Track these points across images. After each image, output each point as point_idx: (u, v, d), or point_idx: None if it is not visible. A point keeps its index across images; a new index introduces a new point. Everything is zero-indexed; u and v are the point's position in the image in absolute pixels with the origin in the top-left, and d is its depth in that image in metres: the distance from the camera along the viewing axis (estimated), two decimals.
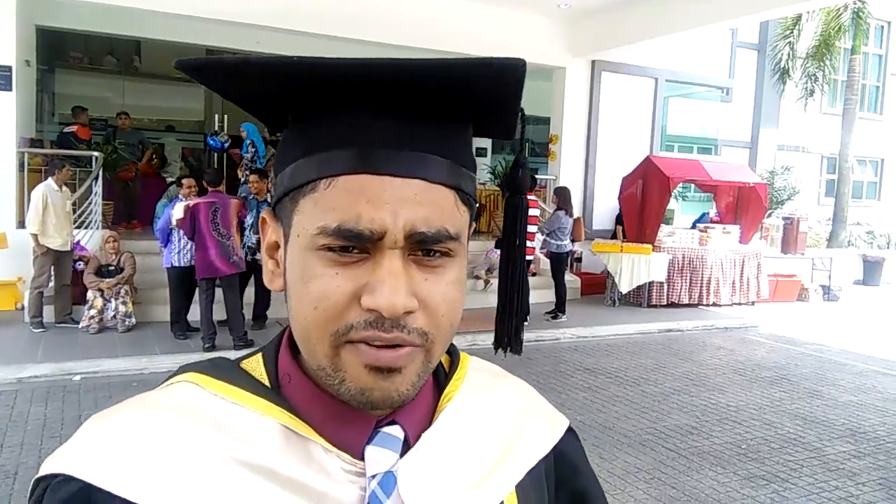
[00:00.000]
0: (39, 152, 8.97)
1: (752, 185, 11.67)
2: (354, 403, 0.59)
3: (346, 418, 0.63)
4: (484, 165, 15.38)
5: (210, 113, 13.30)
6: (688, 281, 10.85)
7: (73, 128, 10.10)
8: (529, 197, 8.25)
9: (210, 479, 0.58)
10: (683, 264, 10.79)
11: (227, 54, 0.57)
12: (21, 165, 8.63)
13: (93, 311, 7.39)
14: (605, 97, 12.62)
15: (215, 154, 11.88)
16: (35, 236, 7.22)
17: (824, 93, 17.27)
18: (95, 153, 9.27)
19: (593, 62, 12.39)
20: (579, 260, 11.42)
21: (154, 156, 11.51)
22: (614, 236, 11.87)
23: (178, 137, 13.80)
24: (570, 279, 10.18)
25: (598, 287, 11.10)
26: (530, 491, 0.70)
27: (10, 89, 8.56)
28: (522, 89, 0.58)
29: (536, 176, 11.48)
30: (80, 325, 7.42)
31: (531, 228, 8.40)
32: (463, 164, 0.61)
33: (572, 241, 9.46)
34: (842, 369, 7.70)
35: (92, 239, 8.53)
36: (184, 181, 7.43)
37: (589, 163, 12.62)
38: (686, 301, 10.77)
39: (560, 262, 9.31)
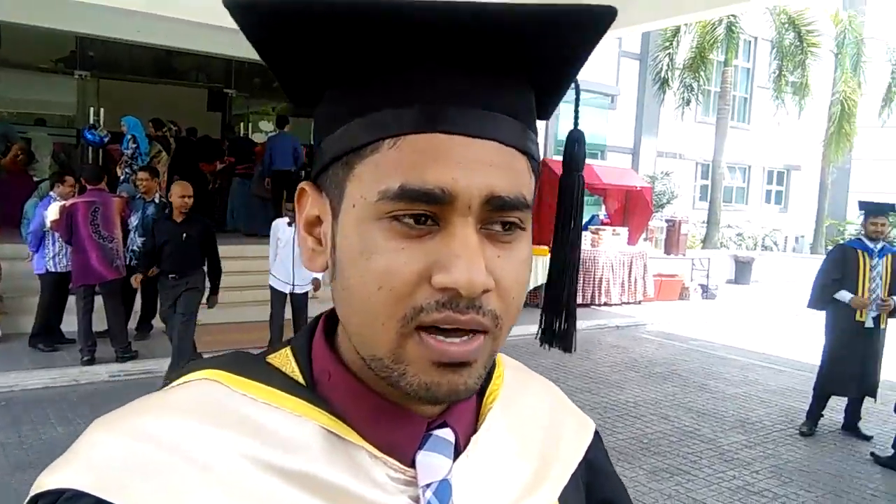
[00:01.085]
0: None
1: (639, 188, 12.21)
2: (415, 397, 0.52)
3: (394, 420, 0.56)
4: None
5: (84, 106, 12.34)
6: (581, 281, 11.19)
7: None
8: None
9: (242, 490, 0.51)
10: None
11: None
12: None
13: None
14: None
15: (90, 150, 11.01)
16: None
17: (699, 102, 18.39)
18: None
19: None
20: None
21: (20, 151, 10.51)
22: None
23: (49, 132, 12.67)
24: None
25: None
26: (571, 495, 0.66)
27: None
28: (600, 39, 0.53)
29: None
30: None
31: None
32: (531, 128, 0.56)
33: None
34: (726, 363, 8.17)
35: None
36: (66, 178, 6.80)
37: None
38: (580, 301, 11.06)
39: None
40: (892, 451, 5.09)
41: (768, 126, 19.48)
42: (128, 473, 0.51)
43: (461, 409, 0.60)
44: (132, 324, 7.15)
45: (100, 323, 6.58)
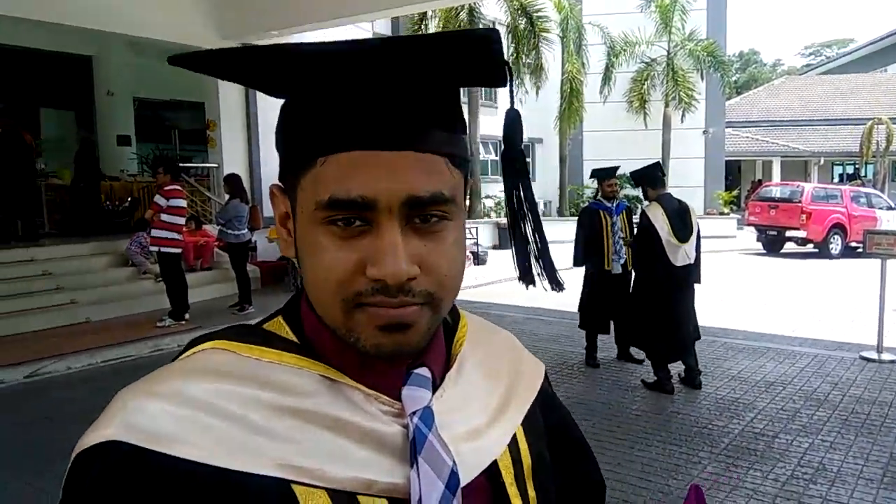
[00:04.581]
0: None
1: None
2: (370, 356, 0.63)
3: (379, 366, 0.66)
4: (133, 154, 14.07)
5: None
6: None
7: None
8: (173, 186, 7.76)
9: (264, 429, 0.60)
10: None
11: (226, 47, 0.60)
12: None
13: None
14: None
15: None
16: None
17: None
18: None
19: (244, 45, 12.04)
20: (254, 249, 11.13)
21: None
22: None
23: None
24: (251, 269, 9.88)
25: (279, 274, 11.00)
26: (532, 422, 0.79)
27: None
28: (502, 52, 0.61)
29: (195, 164, 10.79)
30: None
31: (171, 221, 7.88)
32: (452, 129, 0.64)
33: (250, 229, 9.18)
34: (502, 321, 8.87)
35: None
36: None
37: (252, 148, 12.31)
38: None
39: (240, 252, 8.97)
40: (654, 377, 5.96)
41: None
42: (156, 423, 0.58)
43: (434, 353, 0.71)
44: None
45: None
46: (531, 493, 0.74)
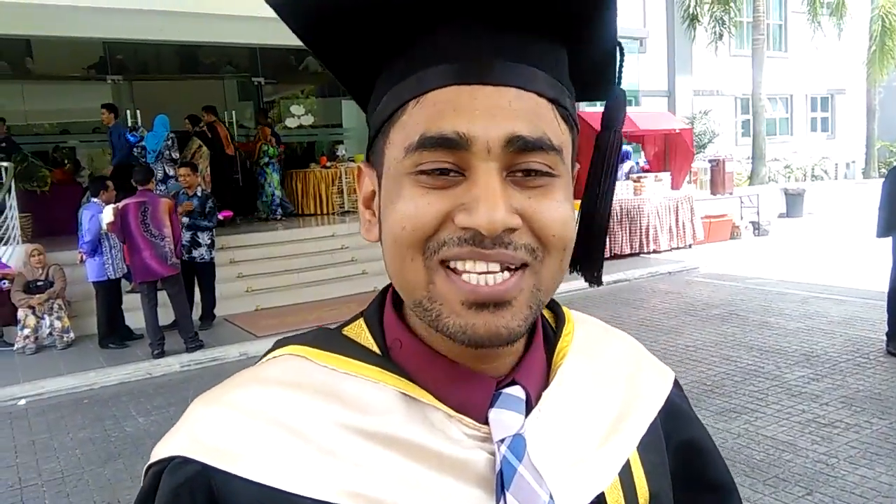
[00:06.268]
0: None
1: (678, 131, 11.95)
2: (457, 341, 0.54)
3: (465, 381, 0.59)
4: None
5: (121, 109, 12.62)
6: (627, 231, 11.07)
7: None
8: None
9: (332, 451, 0.55)
10: (622, 215, 10.99)
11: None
12: None
13: (26, 331, 6.94)
14: None
15: (131, 152, 11.24)
16: None
17: (732, 35, 17.79)
18: (4, 164, 8.63)
19: None
20: None
21: (66, 161, 10.85)
22: None
23: (80, 140, 12.95)
24: None
25: None
26: (650, 446, 0.67)
27: None
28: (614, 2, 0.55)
29: None
30: (14, 347, 6.96)
31: None
32: (560, 80, 0.57)
33: None
34: (785, 299, 8.03)
35: (14, 255, 7.98)
36: (108, 184, 7.05)
37: None
38: (627, 251, 11.00)
39: None
40: None
41: (807, 52, 18.79)
42: (225, 439, 0.56)
43: (529, 367, 0.62)
44: (194, 315, 7.38)
45: (164, 317, 6.82)
46: None
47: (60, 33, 10.00)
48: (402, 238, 0.53)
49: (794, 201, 15.16)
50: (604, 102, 0.65)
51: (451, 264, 0.52)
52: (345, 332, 0.64)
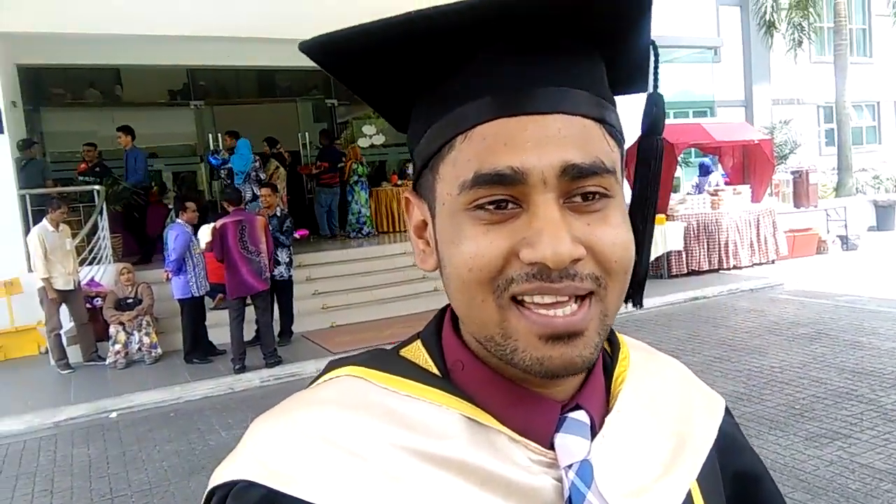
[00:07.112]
0: (39, 192, 8.76)
1: (756, 142, 11.55)
2: (532, 374, 0.53)
3: (528, 405, 0.58)
4: None
5: (203, 133, 13.16)
6: (705, 247, 10.75)
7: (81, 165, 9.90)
8: None
9: (397, 476, 0.54)
10: (699, 230, 10.69)
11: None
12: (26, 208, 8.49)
13: (117, 346, 7.30)
14: None
15: (215, 173, 11.72)
16: (47, 280, 7.05)
17: (812, 42, 17.13)
18: (96, 187, 9.13)
19: None
20: None
21: (154, 183, 11.38)
22: None
23: (166, 163, 13.58)
24: None
25: None
26: (709, 476, 0.65)
27: (3, 132, 8.42)
28: (651, 5, 0.53)
29: None
30: (107, 362, 7.32)
31: None
32: (602, 95, 0.56)
33: None
34: (878, 317, 7.61)
35: (105, 273, 8.41)
36: (187, 205, 7.34)
37: None
38: (706, 267, 10.67)
39: None
40: None
41: (894, 56, 17.86)
42: (290, 463, 0.55)
43: (591, 392, 0.61)
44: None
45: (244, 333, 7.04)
46: None
47: (147, 62, 10.55)
48: (470, 280, 0.53)
49: (884, 213, 14.37)
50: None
51: (520, 297, 0.52)
52: (402, 353, 0.64)
